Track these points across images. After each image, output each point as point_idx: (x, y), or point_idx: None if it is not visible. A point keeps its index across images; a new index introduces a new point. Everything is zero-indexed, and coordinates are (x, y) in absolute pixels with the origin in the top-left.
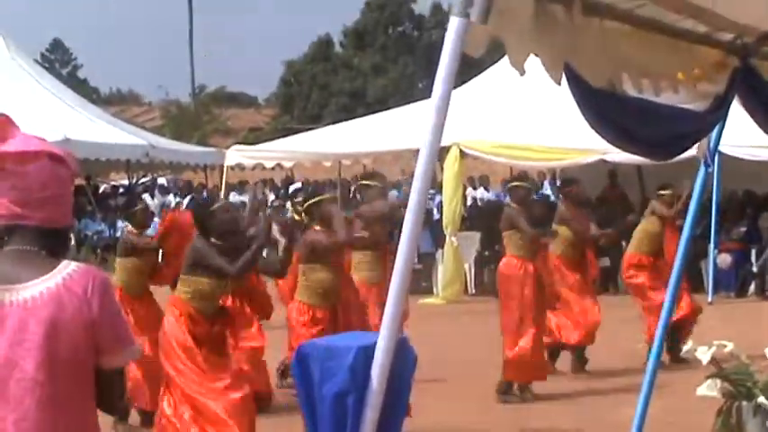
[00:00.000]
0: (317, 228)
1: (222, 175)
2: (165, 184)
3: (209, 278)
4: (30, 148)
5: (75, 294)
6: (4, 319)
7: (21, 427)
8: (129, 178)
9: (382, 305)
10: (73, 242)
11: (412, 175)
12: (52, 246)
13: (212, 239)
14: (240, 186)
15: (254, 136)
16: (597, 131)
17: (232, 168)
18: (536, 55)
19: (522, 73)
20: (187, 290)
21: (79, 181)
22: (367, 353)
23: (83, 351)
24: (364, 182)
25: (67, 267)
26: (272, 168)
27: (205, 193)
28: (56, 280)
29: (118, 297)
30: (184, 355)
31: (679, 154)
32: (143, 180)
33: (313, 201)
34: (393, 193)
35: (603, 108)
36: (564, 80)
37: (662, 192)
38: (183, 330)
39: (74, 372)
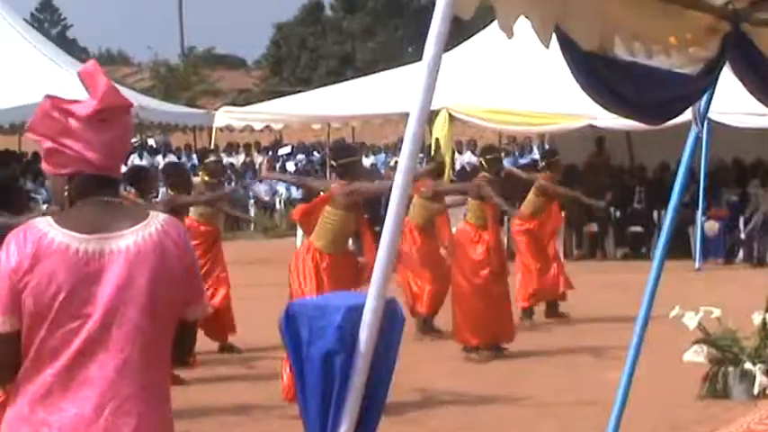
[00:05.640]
0: None
1: (211, 136)
2: (155, 145)
3: None
4: (128, 100)
5: (174, 242)
6: (106, 267)
7: (122, 374)
8: None
9: None
10: None
11: (401, 140)
12: (119, 196)
13: None
14: (229, 148)
15: (243, 98)
16: (589, 95)
17: (221, 130)
18: (526, 17)
19: (511, 36)
20: None
21: None
22: (355, 313)
23: (179, 298)
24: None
25: (158, 216)
26: (261, 130)
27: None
28: (155, 227)
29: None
30: None
31: (672, 118)
32: (132, 141)
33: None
34: (380, 158)
35: (595, 71)
36: (554, 44)
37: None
38: None
39: (169, 319)
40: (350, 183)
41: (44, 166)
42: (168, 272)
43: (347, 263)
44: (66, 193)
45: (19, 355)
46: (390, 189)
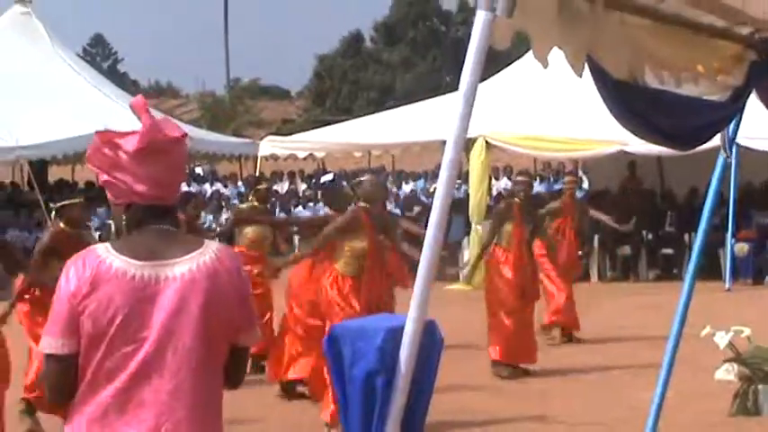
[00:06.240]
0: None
1: (256, 165)
2: (202, 174)
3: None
4: (179, 132)
5: (227, 270)
6: (160, 293)
7: (175, 397)
8: None
9: None
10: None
11: (438, 167)
12: (176, 224)
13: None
14: (273, 176)
15: (287, 127)
16: (620, 123)
17: (266, 159)
18: (559, 48)
19: (546, 66)
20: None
21: None
22: (395, 334)
23: (232, 324)
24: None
25: (213, 245)
26: (304, 159)
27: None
28: (209, 255)
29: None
30: None
31: (701, 144)
32: None
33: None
34: (419, 184)
35: (626, 99)
36: (587, 72)
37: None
38: None
39: (222, 344)
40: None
41: (108, 194)
42: (221, 298)
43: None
44: (123, 221)
45: (75, 378)
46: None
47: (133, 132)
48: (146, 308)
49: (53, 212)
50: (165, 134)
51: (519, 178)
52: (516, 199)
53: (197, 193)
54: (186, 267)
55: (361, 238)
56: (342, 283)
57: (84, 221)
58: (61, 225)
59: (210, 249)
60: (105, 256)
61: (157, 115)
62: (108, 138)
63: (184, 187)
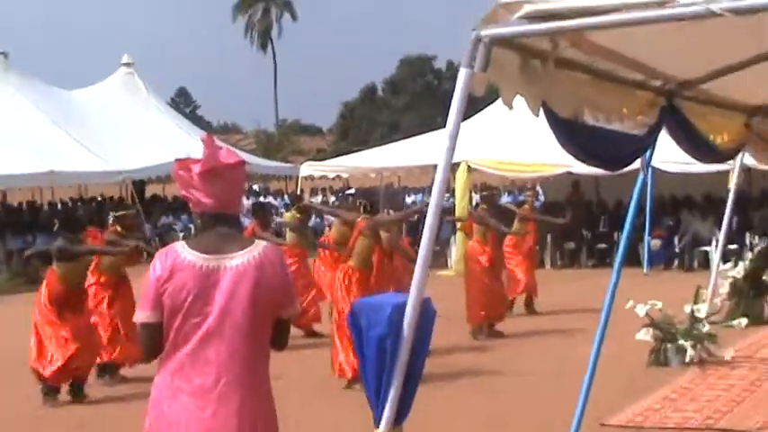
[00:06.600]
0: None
1: (297, 183)
2: (257, 190)
3: None
4: (236, 159)
5: (271, 263)
6: (220, 279)
7: (232, 358)
8: None
9: None
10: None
11: (432, 184)
12: (238, 227)
13: None
14: (310, 192)
15: (320, 155)
16: (567, 150)
17: (305, 178)
18: (521, 95)
19: (511, 108)
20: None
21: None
22: (400, 308)
23: (275, 303)
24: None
25: (261, 244)
26: (333, 179)
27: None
28: (258, 251)
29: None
30: None
31: (626, 166)
32: None
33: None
34: (419, 197)
35: (571, 133)
36: (541, 113)
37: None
38: None
39: (267, 318)
40: (372, 217)
41: (191, 205)
42: (266, 283)
43: (370, 275)
44: (198, 225)
45: (162, 340)
46: (403, 217)
47: (200, 159)
48: (209, 290)
49: (110, 218)
50: (221, 161)
51: (485, 193)
52: (485, 205)
53: (266, 205)
54: (240, 260)
55: (371, 240)
56: (351, 274)
57: (135, 228)
58: (118, 228)
59: (260, 246)
60: (181, 251)
61: (225, 147)
62: (183, 164)
63: (254, 200)
